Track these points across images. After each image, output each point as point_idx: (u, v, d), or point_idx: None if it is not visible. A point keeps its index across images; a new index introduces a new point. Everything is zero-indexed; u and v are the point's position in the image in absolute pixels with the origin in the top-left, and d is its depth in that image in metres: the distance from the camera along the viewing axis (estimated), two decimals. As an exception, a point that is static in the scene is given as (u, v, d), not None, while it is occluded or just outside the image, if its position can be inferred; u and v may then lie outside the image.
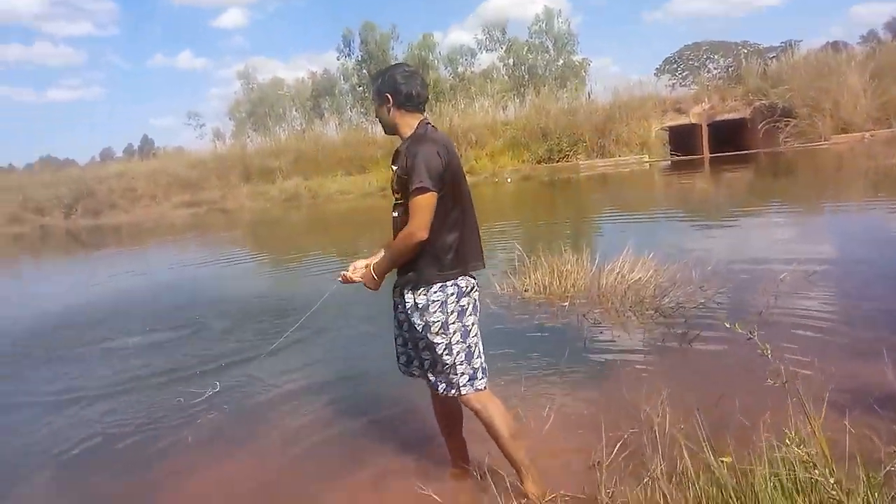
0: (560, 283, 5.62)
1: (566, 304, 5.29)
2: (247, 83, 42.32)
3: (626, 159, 20.51)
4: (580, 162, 20.74)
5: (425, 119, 2.64)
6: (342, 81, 36.90)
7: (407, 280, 2.61)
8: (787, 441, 1.74)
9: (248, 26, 48.48)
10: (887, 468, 1.98)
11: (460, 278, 2.58)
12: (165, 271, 10.29)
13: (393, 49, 35.56)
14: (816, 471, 1.61)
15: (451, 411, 2.85)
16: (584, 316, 4.98)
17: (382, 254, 2.77)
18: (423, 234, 2.44)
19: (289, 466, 3.22)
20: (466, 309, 2.60)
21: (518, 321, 5.10)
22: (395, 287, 2.73)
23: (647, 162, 20.43)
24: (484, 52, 37.06)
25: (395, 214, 2.62)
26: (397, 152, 2.63)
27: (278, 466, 3.23)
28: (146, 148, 40.45)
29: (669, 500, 2.14)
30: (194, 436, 3.65)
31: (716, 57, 39.65)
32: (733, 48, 36.04)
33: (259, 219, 17.50)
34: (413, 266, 2.60)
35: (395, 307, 2.76)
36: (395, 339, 2.84)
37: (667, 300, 4.99)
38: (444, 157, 2.45)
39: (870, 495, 1.73)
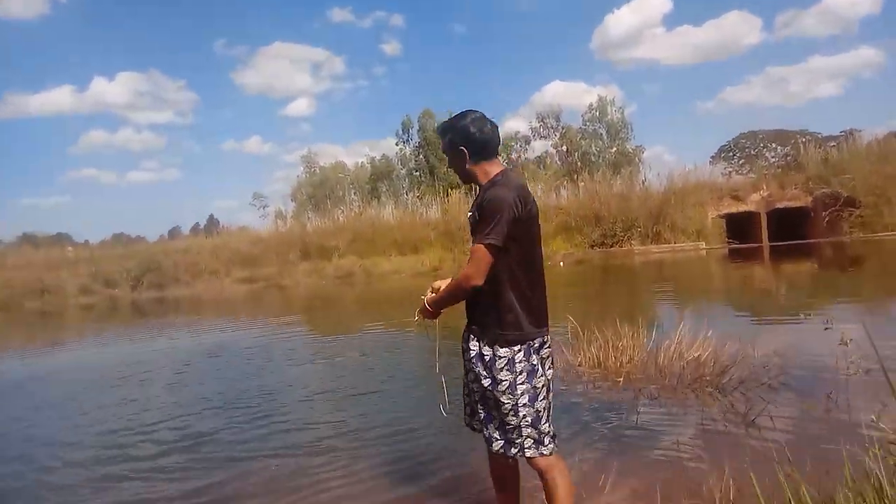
0: (615, 359, 5.48)
1: (621, 379, 5.16)
2: (309, 167, 44.41)
3: (682, 245, 20.24)
4: (634, 247, 20.56)
5: (504, 167, 2.56)
6: (399, 166, 38.30)
7: (472, 330, 2.54)
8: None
9: (313, 114, 51.64)
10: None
11: (535, 336, 2.46)
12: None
13: (449, 136, 36.83)
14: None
15: (504, 472, 2.73)
16: (640, 391, 4.84)
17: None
18: (477, 281, 2.37)
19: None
20: (537, 368, 2.46)
21: (572, 394, 4.97)
22: (464, 332, 2.62)
23: (703, 249, 20.10)
24: (538, 139, 38.18)
25: None
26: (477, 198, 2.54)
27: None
28: (211, 227, 42.41)
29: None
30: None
31: (773, 145, 39.54)
32: (791, 137, 35.73)
33: (313, 294, 17.85)
34: (477, 319, 2.52)
35: (463, 352, 2.62)
36: (463, 389, 2.71)
37: (727, 378, 4.81)
38: (518, 207, 2.36)
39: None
